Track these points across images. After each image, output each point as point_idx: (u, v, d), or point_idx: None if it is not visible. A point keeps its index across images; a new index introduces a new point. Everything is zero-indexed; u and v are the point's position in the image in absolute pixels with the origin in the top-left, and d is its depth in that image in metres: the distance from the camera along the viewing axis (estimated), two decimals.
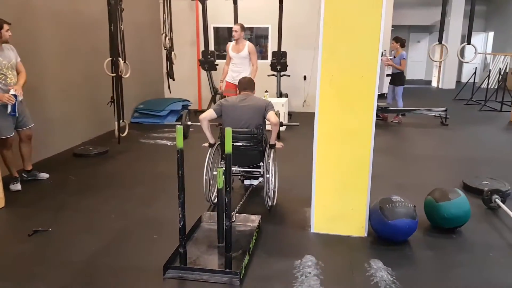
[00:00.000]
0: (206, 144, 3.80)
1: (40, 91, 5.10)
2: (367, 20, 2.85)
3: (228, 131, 2.58)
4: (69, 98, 5.66)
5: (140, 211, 3.69)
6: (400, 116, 7.86)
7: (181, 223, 2.63)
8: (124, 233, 3.28)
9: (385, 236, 3.07)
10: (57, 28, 5.36)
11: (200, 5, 8.18)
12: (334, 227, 3.19)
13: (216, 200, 3.45)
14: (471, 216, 3.24)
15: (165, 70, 8.45)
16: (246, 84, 3.80)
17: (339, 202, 3.15)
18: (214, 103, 8.41)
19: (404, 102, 7.80)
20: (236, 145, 3.44)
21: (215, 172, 3.66)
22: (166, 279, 2.65)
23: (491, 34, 14.65)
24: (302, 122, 7.33)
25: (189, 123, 6.20)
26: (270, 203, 3.60)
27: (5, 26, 3.83)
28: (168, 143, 6.17)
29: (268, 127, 3.59)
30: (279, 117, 3.68)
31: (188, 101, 8.33)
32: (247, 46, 5.94)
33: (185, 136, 6.29)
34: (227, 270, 2.64)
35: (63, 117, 5.54)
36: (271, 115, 3.54)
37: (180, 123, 4.19)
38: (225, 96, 5.29)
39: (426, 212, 3.35)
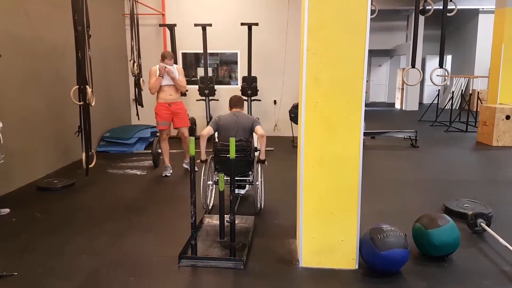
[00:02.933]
0: (198, 161, 3.90)
1: None
2: (350, 45, 2.79)
3: (232, 140, 3.11)
4: (30, 128, 5.30)
5: (113, 250, 3.40)
6: (364, 137, 7.93)
7: (193, 218, 3.12)
8: (97, 276, 2.99)
9: (377, 268, 2.94)
10: (18, 54, 5.05)
11: (168, 31, 8.08)
12: (323, 260, 3.03)
13: (210, 206, 4.26)
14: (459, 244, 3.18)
15: (132, 97, 8.21)
16: (237, 102, 4.37)
17: (328, 233, 3.00)
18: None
19: (371, 125, 7.90)
20: (228, 156, 3.58)
21: (209, 182, 4.23)
22: (180, 267, 3.08)
23: (449, 57, 15.34)
24: (275, 147, 7.30)
25: (159, 151, 5.97)
26: (259, 207, 4.19)
27: None
28: (138, 172, 5.88)
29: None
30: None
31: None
32: (176, 68, 5.56)
33: (156, 165, 6.08)
34: (232, 257, 3.13)
35: (24, 148, 5.17)
36: (258, 129, 4.13)
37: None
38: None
39: (415, 240, 3.26)
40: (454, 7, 5.11)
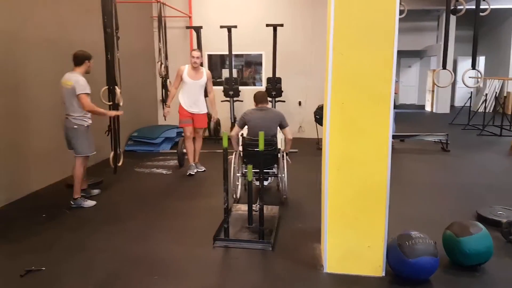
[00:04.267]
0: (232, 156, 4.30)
1: (31, 120, 4.91)
2: (378, 45, 2.71)
3: (261, 134, 3.43)
4: (60, 128, 5.42)
5: (136, 248, 3.44)
6: (393, 140, 7.75)
7: (226, 204, 3.45)
8: (121, 274, 3.02)
9: (405, 275, 2.84)
10: (50, 57, 5.20)
11: (194, 33, 8.15)
12: (349, 267, 2.95)
13: (238, 196, 4.55)
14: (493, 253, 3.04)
15: (159, 98, 8.32)
16: (262, 98, 4.58)
17: (354, 239, 2.92)
18: (209, 130, 8.30)
19: (401, 127, 7.71)
20: (256, 150, 3.92)
21: (238, 174, 4.49)
22: (215, 248, 3.42)
23: (482, 58, 14.84)
24: (299, 148, 7.22)
25: (184, 151, 6.02)
26: (284, 196, 4.51)
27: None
28: (164, 171, 5.96)
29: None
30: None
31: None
32: (205, 73, 5.68)
33: (181, 165, 6.12)
34: (261, 240, 3.44)
35: (56, 147, 5.29)
36: (287, 132, 4.48)
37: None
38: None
39: (445, 248, 3.13)
40: (487, 6, 4.90)
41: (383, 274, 2.92)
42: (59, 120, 5.38)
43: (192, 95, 5.60)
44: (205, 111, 5.75)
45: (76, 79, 4.22)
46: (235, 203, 4.42)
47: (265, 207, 3.88)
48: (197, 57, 5.50)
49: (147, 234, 3.75)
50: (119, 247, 3.47)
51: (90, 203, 4.47)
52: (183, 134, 5.87)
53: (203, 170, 5.92)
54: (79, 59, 4.33)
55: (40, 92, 5.05)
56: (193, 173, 5.73)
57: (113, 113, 4.55)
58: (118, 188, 5.09)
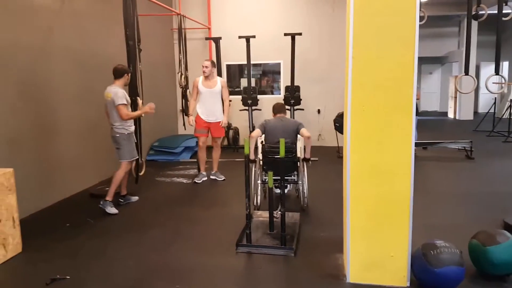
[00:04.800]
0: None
1: (55, 131, 5.03)
2: (399, 51, 2.69)
3: (282, 141, 3.52)
4: (84, 137, 5.57)
5: (158, 257, 3.47)
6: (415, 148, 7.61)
7: (248, 210, 3.54)
8: (143, 283, 3.05)
9: (430, 286, 2.77)
10: (74, 69, 5.35)
11: (213, 44, 8.24)
12: (371, 277, 2.91)
13: (259, 203, 4.54)
14: None
15: (179, 107, 8.43)
16: (280, 109, 4.73)
17: (377, 248, 2.87)
18: (227, 139, 8.35)
19: (423, 135, 7.58)
20: (276, 157, 4.03)
21: (258, 181, 4.52)
22: (238, 253, 3.49)
23: (506, 64, 14.52)
24: (319, 157, 7.19)
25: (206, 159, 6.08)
26: (305, 204, 4.53)
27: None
28: (184, 180, 6.01)
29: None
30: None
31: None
32: (220, 81, 5.76)
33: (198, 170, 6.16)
34: (283, 246, 3.47)
35: (79, 157, 5.44)
36: (303, 131, 4.42)
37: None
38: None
39: (471, 258, 3.05)
40: (510, 11, 4.82)
41: (408, 284, 2.86)
42: (83, 130, 5.55)
43: (209, 104, 5.68)
44: (222, 119, 5.80)
45: (115, 91, 4.43)
46: (256, 210, 4.46)
47: (286, 213, 3.87)
48: (206, 66, 5.58)
49: (168, 242, 3.78)
50: (141, 255, 3.51)
51: (113, 210, 4.57)
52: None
53: (222, 179, 5.95)
54: (119, 73, 4.54)
55: (64, 103, 5.18)
56: (199, 182, 5.80)
57: (146, 108, 4.70)
58: (140, 197, 5.14)
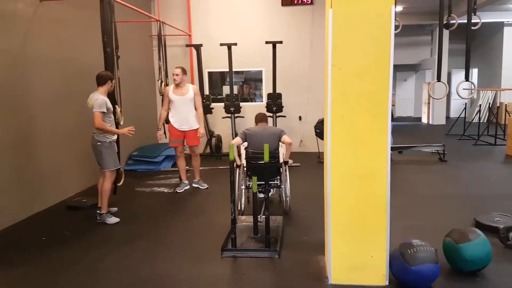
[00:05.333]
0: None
1: (31, 140, 4.93)
2: (375, 60, 2.82)
3: (266, 146, 3.66)
4: (61, 147, 5.47)
5: (143, 268, 3.44)
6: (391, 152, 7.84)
7: (233, 215, 3.63)
8: None
9: (408, 284, 2.90)
10: (52, 75, 5.28)
11: (194, 51, 8.29)
12: (353, 277, 3.01)
13: (243, 208, 4.65)
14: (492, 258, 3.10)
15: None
16: (262, 118, 4.97)
17: (358, 250, 2.98)
18: (210, 146, 8.40)
19: (399, 139, 7.82)
20: (259, 163, 4.29)
21: (242, 187, 4.62)
22: (223, 258, 3.55)
23: (475, 71, 15.08)
24: (301, 163, 7.31)
25: (186, 167, 6.08)
26: (287, 208, 4.68)
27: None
28: (166, 190, 5.97)
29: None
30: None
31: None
32: (192, 88, 5.64)
33: (180, 179, 6.17)
34: (267, 248, 3.59)
35: (55, 167, 5.33)
36: (285, 138, 4.66)
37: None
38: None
39: (446, 255, 3.20)
40: (478, 20, 5.06)
41: (387, 283, 2.97)
42: (61, 139, 5.47)
43: (182, 112, 5.59)
44: (196, 126, 5.67)
45: (96, 98, 4.38)
46: (239, 215, 4.52)
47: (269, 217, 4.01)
48: (176, 74, 5.49)
49: (153, 252, 3.76)
50: (125, 267, 3.47)
51: (114, 219, 4.56)
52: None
53: (205, 187, 5.93)
54: (102, 79, 4.50)
55: (41, 112, 5.11)
56: (180, 191, 5.77)
57: (124, 131, 4.60)
58: (120, 208, 5.02)
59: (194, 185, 5.95)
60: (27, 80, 4.90)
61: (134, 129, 4.63)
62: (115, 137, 4.62)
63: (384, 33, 2.80)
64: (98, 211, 4.60)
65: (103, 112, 4.40)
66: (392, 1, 2.77)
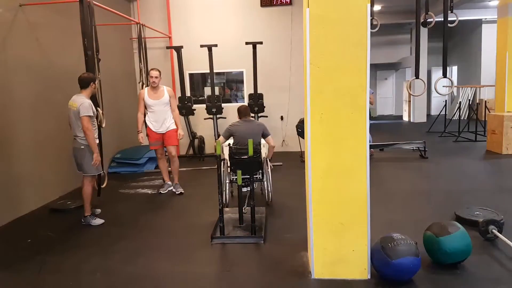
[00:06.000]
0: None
1: (11, 144, 4.87)
2: (352, 58, 2.86)
3: (250, 142, 3.95)
4: (43, 151, 5.42)
5: (126, 268, 3.44)
6: (372, 150, 7.93)
7: (220, 206, 3.92)
8: None
9: (389, 276, 2.94)
10: (30, 80, 5.22)
11: (175, 53, 8.26)
12: (335, 271, 3.04)
13: (227, 201, 4.87)
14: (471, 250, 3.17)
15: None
16: (245, 111, 5.01)
17: (339, 244, 3.02)
18: (193, 148, 8.37)
19: (380, 137, 7.91)
20: (243, 157, 4.53)
21: (226, 181, 4.80)
22: (213, 245, 3.82)
23: (454, 68, 15.38)
24: (284, 162, 7.35)
25: (169, 169, 6.05)
26: (269, 200, 4.95)
27: None
28: (149, 191, 5.95)
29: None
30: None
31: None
32: (166, 91, 5.57)
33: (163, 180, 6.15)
34: (253, 235, 3.89)
35: (37, 171, 5.27)
36: (270, 140, 4.91)
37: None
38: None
39: (426, 248, 3.26)
40: (455, 18, 5.17)
41: (369, 277, 3.02)
42: (41, 143, 5.40)
43: (158, 115, 5.54)
44: (173, 127, 5.61)
45: (81, 102, 4.33)
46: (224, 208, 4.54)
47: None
48: (156, 77, 5.43)
49: (137, 253, 3.76)
50: (109, 267, 3.48)
51: (98, 221, 4.55)
52: (166, 154, 5.88)
53: (179, 192, 5.71)
54: (85, 82, 4.45)
55: (21, 116, 5.04)
56: (164, 192, 5.76)
57: (96, 156, 4.47)
58: (104, 210, 5.02)
59: (172, 189, 5.81)
60: (7, 84, 4.83)
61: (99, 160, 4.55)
62: (97, 141, 4.58)
63: (360, 32, 2.84)
64: (82, 219, 4.60)
65: (90, 116, 4.36)
66: (367, 0, 2.82)
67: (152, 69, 5.51)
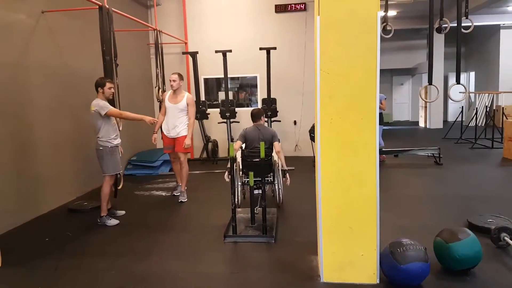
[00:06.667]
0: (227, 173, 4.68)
1: (31, 145, 5.04)
2: (362, 64, 2.90)
3: (262, 144, 4.17)
4: (61, 153, 5.58)
5: (140, 266, 3.54)
6: (384, 155, 7.89)
7: (233, 205, 4.07)
8: None
9: (398, 281, 2.96)
10: (49, 84, 5.38)
11: (190, 58, 8.40)
12: (344, 276, 3.07)
13: (239, 203, 4.83)
14: (482, 257, 3.16)
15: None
16: (258, 114, 5.07)
17: (348, 248, 3.04)
18: (206, 151, 8.48)
19: (395, 143, 7.87)
20: (254, 160, 4.72)
21: (239, 183, 4.84)
22: (226, 243, 3.96)
23: (472, 74, 15.18)
24: (296, 167, 7.36)
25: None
26: (280, 202, 5.05)
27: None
28: (163, 193, 6.07)
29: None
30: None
31: None
32: (186, 97, 5.52)
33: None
34: (265, 234, 4.02)
35: (55, 172, 5.44)
36: (276, 145, 4.95)
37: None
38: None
39: (436, 254, 3.25)
40: (470, 23, 5.15)
41: (378, 281, 3.03)
42: (60, 145, 5.56)
43: (171, 119, 5.54)
44: (184, 134, 5.53)
45: (96, 103, 4.55)
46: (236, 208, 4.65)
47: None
48: (174, 80, 5.43)
49: (151, 252, 3.85)
50: (124, 265, 3.57)
51: (113, 221, 4.68)
52: None
53: (180, 200, 5.56)
54: (95, 87, 4.65)
55: (41, 119, 5.22)
56: (177, 194, 5.79)
57: (148, 118, 4.83)
58: (120, 210, 5.16)
59: (179, 197, 5.64)
60: (27, 88, 5.00)
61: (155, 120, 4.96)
62: (117, 142, 4.73)
63: (370, 38, 2.88)
64: (98, 219, 4.73)
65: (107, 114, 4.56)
66: (377, 7, 2.86)
67: (173, 73, 5.53)
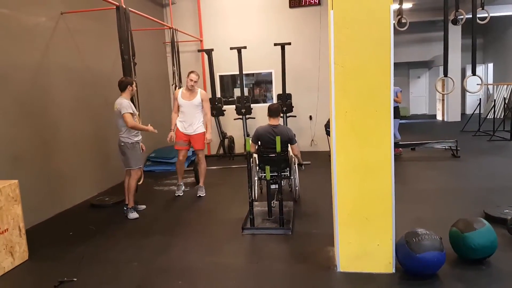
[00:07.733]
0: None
1: (55, 144, 5.22)
2: (376, 57, 2.95)
3: (278, 138, 4.17)
4: (82, 151, 5.74)
5: (160, 259, 3.66)
6: (401, 149, 7.86)
7: (250, 199, 4.19)
8: (148, 282, 3.24)
9: (413, 271, 3.00)
10: (69, 84, 5.54)
11: (206, 56, 8.51)
12: (360, 265, 3.13)
13: (256, 197, 4.99)
14: (497, 246, 3.18)
15: None
16: (275, 111, 4.90)
17: (364, 239, 3.10)
18: (223, 147, 8.59)
19: (412, 136, 7.84)
20: (271, 156, 4.75)
21: (255, 178, 4.99)
22: (244, 235, 4.10)
23: (490, 65, 14.92)
24: (312, 162, 7.42)
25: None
26: (297, 196, 5.12)
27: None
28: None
29: None
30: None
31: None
32: (200, 93, 5.53)
33: (197, 181, 6.37)
34: (282, 227, 4.13)
35: (77, 170, 5.61)
36: (293, 148, 4.93)
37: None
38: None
39: (452, 244, 3.28)
40: (486, 14, 5.11)
41: (393, 271, 3.09)
42: (82, 143, 5.74)
43: (187, 116, 5.53)
44: (201, 131, 5.57)
45: (120, 102, 4.69)
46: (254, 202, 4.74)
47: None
48: (195, 81, 5.42)
49: (170, 244, 3.98)
50: (145, 258, 3.70)
51: (134, 215, 4.87)
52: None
53: (199, 195, 5.69)
54: (123, 85, 4.77)
55: (63, 118, 5.38)
56: (181, 194, 5.81)
57: (150, 127, 4.93)
58: (140, 205, 5.29)
59: (199, 192, 5.76)
60: (49, 89, 5.16)
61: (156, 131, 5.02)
62: (138, 138, 4.89)
63: (383, 31, 2.92)
64: (124, 207, 4.95)
65: (131, 113, 4.68)
66: (390, 0, 2.90)
67: (192, 72, 5.48)
